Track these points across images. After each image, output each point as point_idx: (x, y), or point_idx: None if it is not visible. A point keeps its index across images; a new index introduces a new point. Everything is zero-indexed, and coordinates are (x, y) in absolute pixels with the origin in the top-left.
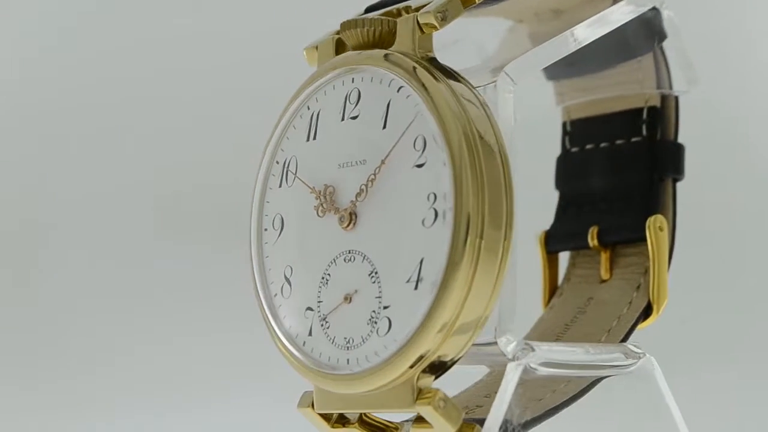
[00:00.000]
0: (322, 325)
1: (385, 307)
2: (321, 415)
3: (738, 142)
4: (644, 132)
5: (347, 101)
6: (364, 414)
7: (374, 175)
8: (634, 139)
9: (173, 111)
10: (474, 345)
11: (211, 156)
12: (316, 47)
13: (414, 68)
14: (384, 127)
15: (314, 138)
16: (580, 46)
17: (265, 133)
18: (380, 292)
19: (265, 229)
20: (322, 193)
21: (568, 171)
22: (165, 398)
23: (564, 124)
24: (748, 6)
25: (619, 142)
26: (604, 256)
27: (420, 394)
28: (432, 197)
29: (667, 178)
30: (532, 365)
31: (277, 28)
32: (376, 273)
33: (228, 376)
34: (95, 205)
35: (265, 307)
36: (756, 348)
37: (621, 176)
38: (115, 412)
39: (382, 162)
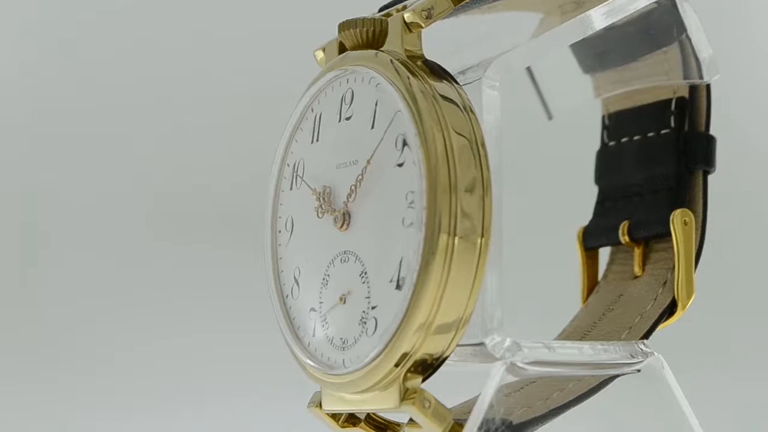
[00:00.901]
0: (322, 326)
1: (373, 308)
2: (330, 414)
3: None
4: (672, 123)
5: (343, 102)
6: (371, 413)
7: (362, 175)
8: (663, 132)
9: (174, 112)
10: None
11: (211, 156)
12: (323, 49)
13: (396, 68)
14: (372, 127)
15: (317, 140)
16: (590, 33)
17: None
18: (369, 292)
19: (279, 231)
20: (321, 195)
21: (605, 165)
22: (165, 398)
23: (603, 118)
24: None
25: (650, 134)
26: (638, 252)
27: (406, 394)
28: (410, 196)
29: (696, 170)
30: (520, 364)
31: (278, 31)
32: (365, 273)
33: (228, 376)
34: (95, 205)
35: (278, 308)
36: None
37: (652, 169)
38: (115, 411)
39: (368, 162)
